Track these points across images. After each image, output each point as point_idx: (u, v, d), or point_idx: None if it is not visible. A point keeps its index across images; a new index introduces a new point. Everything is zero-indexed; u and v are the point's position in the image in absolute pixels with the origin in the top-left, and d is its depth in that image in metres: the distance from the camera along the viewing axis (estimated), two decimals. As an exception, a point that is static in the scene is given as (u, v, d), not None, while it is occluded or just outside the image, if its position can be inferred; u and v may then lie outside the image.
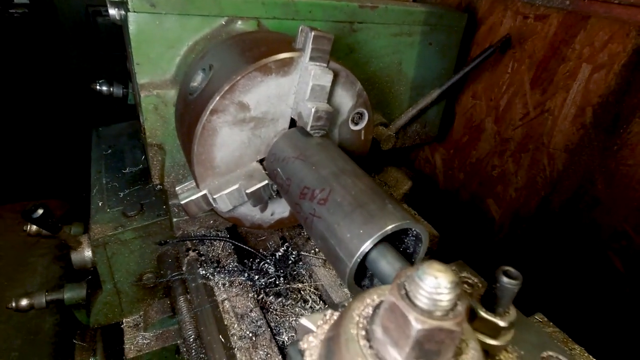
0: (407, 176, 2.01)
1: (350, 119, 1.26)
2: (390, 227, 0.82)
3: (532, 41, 1.94)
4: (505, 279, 0.54)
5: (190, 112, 1.13)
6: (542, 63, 1.92)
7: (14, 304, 1.63)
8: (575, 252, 1.92)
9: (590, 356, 0.97)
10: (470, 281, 0.75)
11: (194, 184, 1.17)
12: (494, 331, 0.58)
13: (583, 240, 1.88)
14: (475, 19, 2.13)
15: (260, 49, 1.13)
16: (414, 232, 0.91)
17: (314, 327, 0.58)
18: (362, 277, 0.96)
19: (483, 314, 0.57)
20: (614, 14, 1.58)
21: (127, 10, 1.26)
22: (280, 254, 1.53)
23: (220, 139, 1.10)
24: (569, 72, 1.83)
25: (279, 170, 1.09)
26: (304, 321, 0.58)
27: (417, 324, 0.43)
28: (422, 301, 0.44)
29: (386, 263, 0.82)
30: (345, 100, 1.22)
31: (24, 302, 1.64)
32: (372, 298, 0.55)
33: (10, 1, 3.84)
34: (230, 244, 1.53)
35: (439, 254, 2.02)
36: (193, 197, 1.13)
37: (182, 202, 1.13)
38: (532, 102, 1.99)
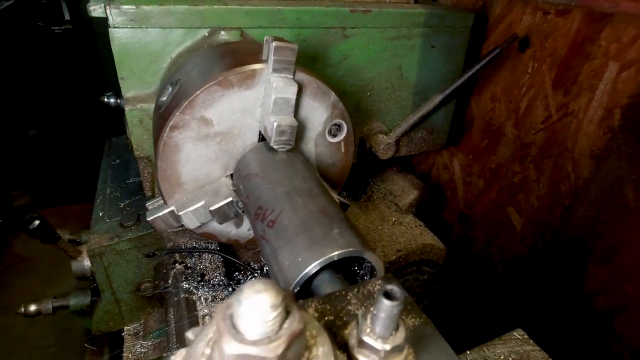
0: (414, 185, 1.91)
1: (327, 131, 1.20)
2: (330, 255, 0.75)
3: (553, 38, 1.77)
4: (385, 301, 0.48)
5: (158, 127, 1.12)
6: (564, 62, 1.75)
7: (23, 310, 1.70)
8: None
9: None
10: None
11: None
12: (380, 355, 0.51)
13: (611, 254, 1.69)
14: (488, 18, 1.98)
15: (225, 61, 1.09)
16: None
17: None
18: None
19: (365, 337, 0.51)
20: (621, 8, 1.40)
21: (108, 26, 1.28)
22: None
23: (184, 155, 1.08)
24: (594, 71, 1.65)
25: (241, 187, 1.05)
26: (189, 334, 0.55)
27: (226, 348, 0.40)
28: (239, 323, 0.41)
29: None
30: (319, 112, 1.15)
31: (33, 307, 1.71)
32: None
33: (61, 18, 4.08)
34: (220, 257, 1.51)
35: (447, 267, 1.90)
36: (160, 214, 1.11)
37: (149, 219, 1.12)
38: (555, 104, 1.82)
